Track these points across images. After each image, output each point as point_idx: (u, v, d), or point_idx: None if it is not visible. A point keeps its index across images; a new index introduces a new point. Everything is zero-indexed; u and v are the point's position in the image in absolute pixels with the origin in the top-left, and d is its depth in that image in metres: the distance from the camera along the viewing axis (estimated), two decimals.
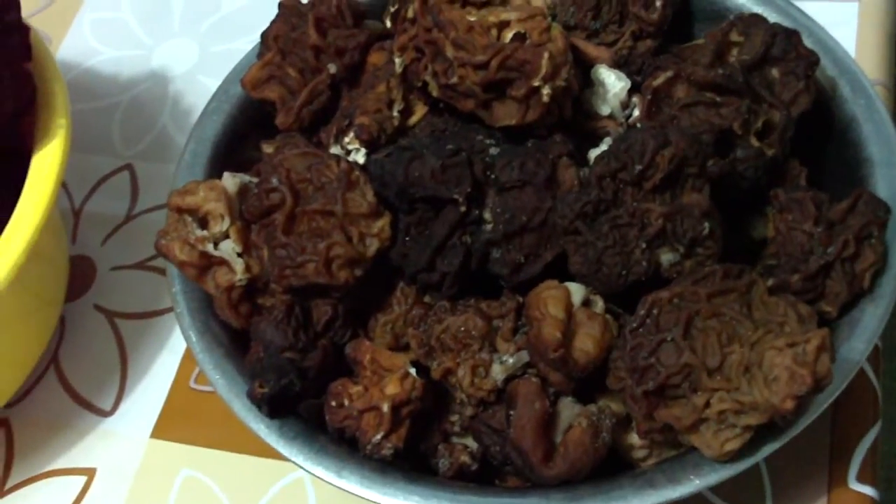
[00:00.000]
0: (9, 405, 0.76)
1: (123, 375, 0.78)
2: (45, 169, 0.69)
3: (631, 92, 0.67)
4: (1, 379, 0.73)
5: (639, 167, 0.58)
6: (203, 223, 0.66)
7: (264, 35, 0.74)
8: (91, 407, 0.76)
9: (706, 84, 0.65)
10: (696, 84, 0.65)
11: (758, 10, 0.74)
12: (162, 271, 0.82)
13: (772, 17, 0.70)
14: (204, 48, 0.96)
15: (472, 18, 0.63)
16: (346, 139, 0.69)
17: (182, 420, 0.75)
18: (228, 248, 0.64)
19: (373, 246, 0.62)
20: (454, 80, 0.62)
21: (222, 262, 0.65)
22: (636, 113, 0.67)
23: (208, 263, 0.65)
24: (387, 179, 0.62)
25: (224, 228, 0.64)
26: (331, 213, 0.61)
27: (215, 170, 0.74)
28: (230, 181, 0.66)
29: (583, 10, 0.73)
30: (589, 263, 0.59)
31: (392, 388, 0.60)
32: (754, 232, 0.66)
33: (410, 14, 0.65)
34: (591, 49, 0.68)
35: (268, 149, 0.72)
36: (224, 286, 0.65)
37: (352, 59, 0.71)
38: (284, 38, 0.72)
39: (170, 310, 0.80)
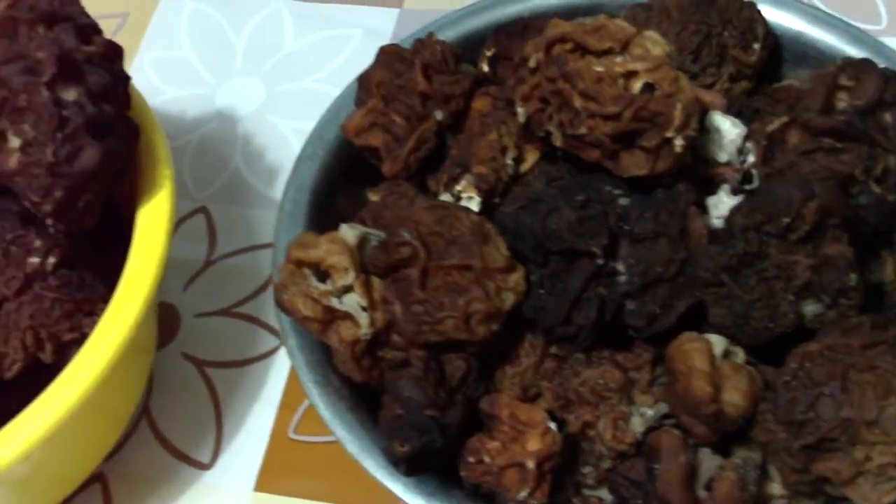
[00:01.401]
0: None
1: (219, 427, 0.76)
2: (154, 221, 0.68)
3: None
4: (102, 433, 0.71)
5: (786, 220, 0.58)
6: (322, 276, 0.65)
7: (363, 81, 0.73)
8: (189, 460, 0.75)
9: (824, 130, 0.65)
10: (812, 130, 0.65)
11: (852, 50, 0.75)
12: (248, 318, 0.82)
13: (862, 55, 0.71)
14: (269, 87, 0.95)
15: (599, 69, 0.62)
16: (458, 187, 0.69)
17: (285, 472, 0.74)
18: (353, 302, 0.64)
19: (509, 300, 0.61)
20: (582, 130, 0.62)
21: (346, 315, 0.64)
22: (751, 159, 0.67)
23: (332, 318, 0.64)
24: (523, 232, 0.61)
25: (349, 282, 0.64)
26: (468, 267, 0.61)
27: (315, 218, 0.73)
28: (350, 233, 0.65)
29: (684, 53, 0.73)
30: (734, 316, 0.59)
31: (534, 444, 0.60)
32: (871, 276, 0.66)
33: (532, 63, 0.65)
34: (705, 95, 0.68)
35: (373, 197, 0.71)
36: (349, 340, 0.64)
37: (457, 105, 0.71)
38: (388, 84, 0.71)
39: (260, 358, 0.79)
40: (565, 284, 0.61)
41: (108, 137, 0.64)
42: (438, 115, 0.71)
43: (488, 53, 0.75)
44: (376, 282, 0.64)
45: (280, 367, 0.79)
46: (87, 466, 0.71)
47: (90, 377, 0.62)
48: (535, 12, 0.80)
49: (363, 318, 0.63)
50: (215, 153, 0.90)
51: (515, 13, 0.80)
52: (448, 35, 0.79)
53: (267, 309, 0.82)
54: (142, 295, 0.65)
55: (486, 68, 0.74)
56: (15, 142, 0.63)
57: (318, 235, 0.65)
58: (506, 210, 0.63)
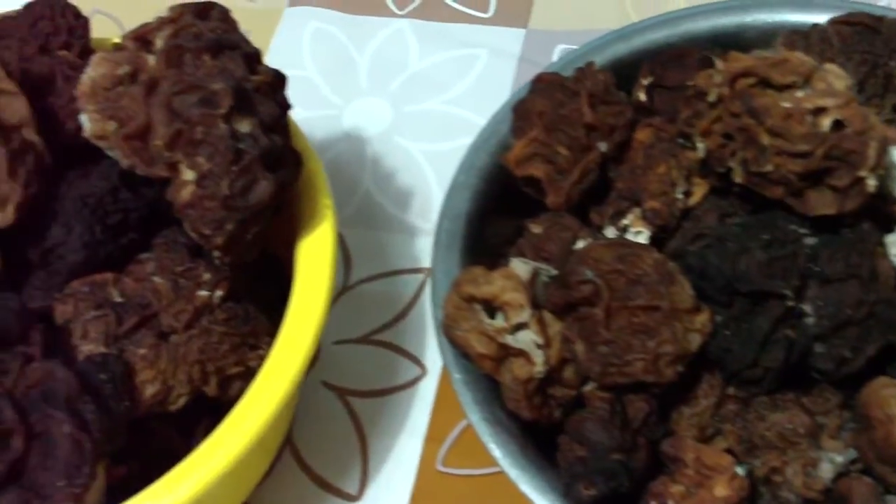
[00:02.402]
0: None
1: (365, 457, 0.75)
2: (318, 253, 0.67)
3: None
4: (257, 465, 0.71)
5: None
6: (491, 311, 0.64)
7: (521, 110, 0.72)
8: (336, 491, 0.74)
9: None
10: None
11: None
12: (388, 346, 0.81)
13: None
14: (396, 108, 0.93)
15: (787, 105, 0.61)
16: (625, 221, 0.68)
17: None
18: (527, 340, 0.62)
19: (695, 341, 0.60)
20: (768, 168, 0.61)
21: (520, 353, 0.63)
22: None
23: (505, 355, 0.63)
24: (711, 273, 0.60)
25: (524, 319, 0.62)
26: (656, 308, 0.59)
27: (469, 247, 0.72)
28: (523, 269, 0.64)
29: None
30: None
31: (721, 490, 0.58)
32: None
33: (713, 97, 0.63)
34: (887, 131, 0.66)
35: (535, 229, 0.70)
36: (522, 378, 0.63)
37: (621, 136, 0.70)
38: (550, 114, 0.70)
39: (403, 387, 0.78)
40: (752, 326, 0.60)
41: (279, 169, 0.63)
42: (602, 146, 0.69)
43: (645, 82, 0.73)
44: (549, 319, 0.63)
45: (424, 398, 0.78)
46: (239, 499, 0.71)
47: (265, 414, 0.61)
48: (683, 37, 0.79)
49: (538, 356, 0.62)
50: (346, 176, 0.89)
51: (663, 39, 0.79)
52: (595, 60, 0.78)
53: (407, 337, 0.81)
54: (311, 329, 0.64)
55: (642, 97, 0.73)
56: (189, 174, 0.62)
57: (489, 270, 0.64)
58: (691, 249, 0.62)
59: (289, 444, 0.76)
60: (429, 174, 0.89)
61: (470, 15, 0.99)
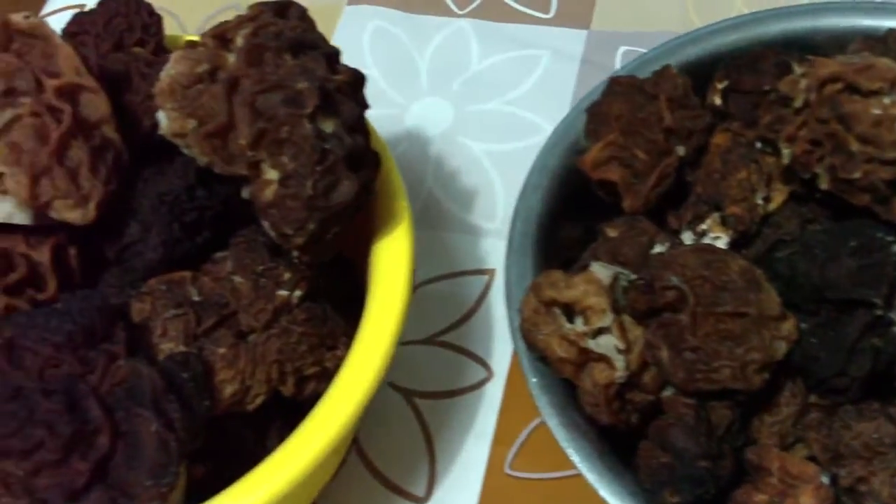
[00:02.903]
0: None
1: (432, 459, 0.75)
2: (395, 255, 0.66)
3: None
4: (328, 466, 0.70)
5: None
6: (570, 315, 0.64)
7: (597, 112, 0.71)
8: (403, 493, 0.74)
9: None
10: None
11: None
12: (454, 347, 0.80)
13: None
14: (458, 108, 0.93)
15: (877, 111, 0.60)
16: (704, 226, 0.67)
17: None
18: (609, 344, 0.62)
19: (782, 349, 0.59)
20: (856, 175, 0.60)
21: (601, 358, 0.62)
22: None
23: (586, 360, 0.63)
24: (799, 280, 0.60)
25: (606, 324, 0.62)
26: (743, 315, 0.59)
27: (542, 251, 0.71)
28: (604, 273, 0.64)
29: None
30: None
31: (807, 499, 0.58)
32: None
33: (798, 103, 0.63)
34: None
35: (612, 232, 0.70)
36: (603, 383, 0.62)
37: (699, 141, 0.69)
38: (628, 117, 0.69)
39: (469, 389, 0.78)
40: (839, 334, 0.59)
41: (361, 170, 0.63)
42: (680, 150, 0.69)
43: (720, 86, 0.73)
44: (629, 323, 0.63)
45: (491, 400, 0.77)
46: (308, 499, 0.70)
47: (346, 416, 0.60)
48: (753, 41, 0.78)
49: (619, 361, 0.62)
50: (409, 176, 0.88)
51: (733, 43, 0.78)
52: (665, 63, 0.77)
53: (472, 338, 0.80)
54: (390, 331, 0.63)
55: (717, 101, 0.72)
56: (271, 174, 0.61)
57: (569, 274, 0.64)
58: (778, 255, 0.61)
59: (355, 445, 0.76)
60: (492, 175, 0.88)
61: (531, 15, 0.98)
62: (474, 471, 0.74)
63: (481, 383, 0.78)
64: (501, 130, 0.90)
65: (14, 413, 0.55)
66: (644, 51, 0.89)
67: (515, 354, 0.78)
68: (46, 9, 1.09)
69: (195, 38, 0.76)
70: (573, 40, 0.95)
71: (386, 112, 0.93)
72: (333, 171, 0.61)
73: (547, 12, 0.98)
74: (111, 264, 0.68)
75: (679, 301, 0.60)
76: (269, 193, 0.61)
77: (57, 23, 1.05)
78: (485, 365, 0.79)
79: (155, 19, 0.74)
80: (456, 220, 0.86)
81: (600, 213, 0.73)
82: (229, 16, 1.01)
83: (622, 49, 0.93)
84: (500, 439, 0.75)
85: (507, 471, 0.74)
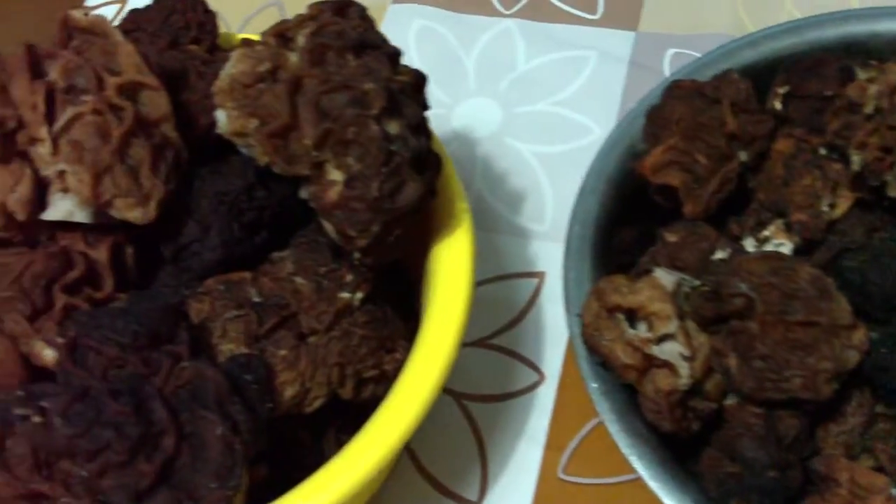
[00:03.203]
0: None
1: (484, 463, 0.74)
2: (457, 258, 0.66)
3: None
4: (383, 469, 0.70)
5: None
6: (632, 320, 0.63)
7: (657, 116, 0.71)
8: (456, 497, 0.73)
9: None
10: None
11: None
12: (505, 350, 0.80)
13: None
14: (506, 109, 0.92)
15: None
16: (766, 232, 0.67)
17: None
18: (673, 351, 0.61)
19: (853, 359, 0.59)
20: None
21: (665, 364, 0.62)
22: None
23: (649, 366, 0.62)
24: (870, 289, 0.59)
25: (671, 330, 0.61)
26: (814, 324, 0.58)
27: (599, 254, 0.71)
28: (668, 279, 0.63)
29: None
30: None
31: None
32: None
33: (869, 109, 0.62)
34: None
35: (671, 237, 0.69)
36: (666, 390, 0.62)
37: (761, 146, 0.69)
38: (689, 122, 0.69)
39: (520, 393, 0.77)
40: None
41: (425, 171, 0.62)
42: (742, 155, 0.68)
43: (781, 91, 0.72)
44: (692, 330, 0.62)
45: (543, 404, 0.76)
46: (361, 502, 0.70)
47: (408, 420, 0.60)
48: (811, 45, 0.77)
49: (683, 368, 0.61)
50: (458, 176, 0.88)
51: (790, 47, 0.77)
52: (722, 67, 0.76)
53: (523, 341, 0.80)
54: (452, 335, 0.63)
55: (778, 106, 0.72)
56: (336, 174, 0.61)
57: (632, 279, 0.63)
58: (849, 264, 0.61)
59: (406, 448, 0.75)
60: (541, 176, 0.88)
61: (577, 16, 0.98)
62: (527, 475, 0.74)
63: (533, 387, 0.78)
64: (550, 132, 0.90)
65: (82, 413, 0.54)
66: (694, 53, 0.90)
67: (567, 358, 0.78)
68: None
69: (250, 36, 0.75)
70: (620, 42, 0.95)
71: (432, 112, 0.91)
72: (399, 173, 0.61)
73: (593, 13, 0.97)
74: (164, 263, 0.68)
75: (747, 308, 0.59)
76: (333, 194, 0.61)
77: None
78: (536, 368, 0.78)
79: (210, 17, 0.73)
80: (505, 222, 0.86)
81: (655, 217, 0.73)
82: (272, 14, 1.02)
83: (671, 51, 0.93)
84: (553, 443, 0.75)
85: (561, 475, 0.73)
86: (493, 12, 0.99)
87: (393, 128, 0.61)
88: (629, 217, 0.73)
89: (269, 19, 1.00)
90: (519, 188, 0.87)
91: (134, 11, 0.73)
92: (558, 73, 0.93)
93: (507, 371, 0.78)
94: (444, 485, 0.74)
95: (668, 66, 0.91)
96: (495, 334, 0.80)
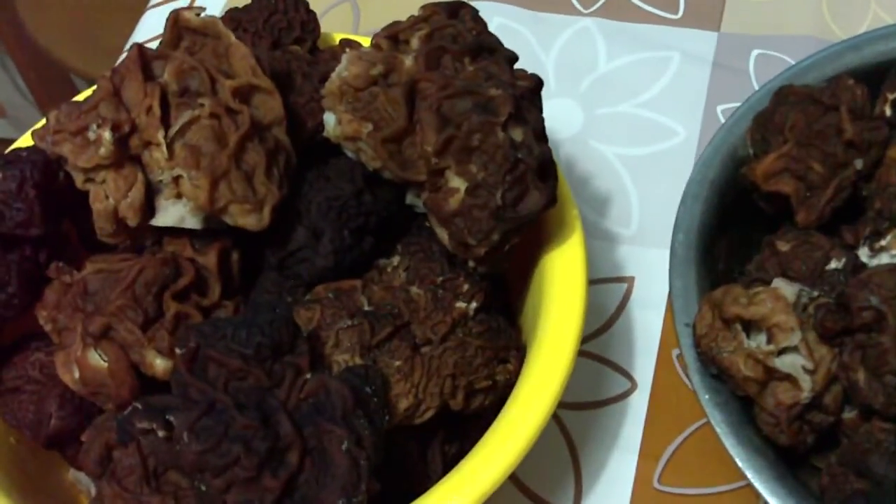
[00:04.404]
0: None
1: (577, 472, 0.73)
2: (570, 266, 0.65)
3: None
4: None
5: None
6: (747, 331, 0.62)
7: (766, 121, 0.69)
8: None
9: None
10: None
11: None
12: (594, 357, 0.78)
13: None
14: (587, 110, 0.91)
15: None
16: (883, 242, 0.65)
17: None
18: (796, 364, 0.60)
19: None
20: None
21: (785, 377, 0.61)
22: None
23: (769, 379, 0.61)
24: None
25: (794, 343, 0.60)
26: None
27: (705, 261, 0.70)
28: (789, 290, 0.62)
29: None
30: None
31: None
32: None
33: None
34: None
35: (783, 246, 0.68)
36: (787, 403, 0.61)
37: (877, 153, 0.67)
38: (803, 128, 0.67)
39: (613, 401, 0.76)
40: None
41: (548, 179, 0.61)
42: (858, 163, 0.67)
43: (891, 96, 0.71)
44: (813, 342, 0.61)
45: (635, 412, 0.75)
46: None
47: (532, 428, 0.59)
48: None
49: (805, 381, 0.60)
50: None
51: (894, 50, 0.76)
52: (824, 72, 0.75)
53: (614, 348, 0.78)
54: (569, 343, 0.62)
55: (888, 112, 0.70)
56: (456, 181, 0.60)
57: (752, 290, 0.62)
58: None
59: None
60: (625, 180, 0.86)
61: (658, 16, 0.96)
62: (622, 485, 0.73)
63: (625, 395, 0.76)
64: (633, 134, 0.89)
65: (210, 428, 0.53)
66: (779, 55, 0.89)
67: (659, 365, 0.77)
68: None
69: (350, 36, 0.74)
70: (703, 42, 0.93)
71: None
72: (523, 181, 0.59)
73: (675, 13, 0.96)
74: (266, 269, 0.67)
75: (876, 322, 0.58)
76: (454, 202, 0.60)
77: (157, 17, 1.04)
78: (628, 375, 0.77)
79: (312, 16, 0.72)
80: (591, 226, 0.84)
81: (753, 225, 0.72)
82: (345, 10, 1.01)
83: (756, 52, 0.91)
84: (648, 452, 0.74)
85: (656, 485, 0.72)
86: (572, 11, 0.98)
87: (518, 135, 0.60)
88: (728, 225, 0.72)
89: (342, 16, 0.99)
90: (603, 191, 0.86)
91: (234, 10, 0.72)
92: (640, 74, 0.92)
93: (598, 378, 0.77)
94: (539, 495, 0.73)
95: (753, 68, 0.90)
96: (585, 340, 0.79)
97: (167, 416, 0.54)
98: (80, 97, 0.72)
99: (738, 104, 0.74)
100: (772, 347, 0.61)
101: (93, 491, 0.66)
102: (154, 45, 0.65)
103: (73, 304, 0.62)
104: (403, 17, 0.65)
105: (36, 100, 1.69)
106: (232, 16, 0.71)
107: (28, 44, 1.56)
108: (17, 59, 1.64)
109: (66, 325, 0.62)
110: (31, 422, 0.64)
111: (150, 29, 1.05)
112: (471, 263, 0.62)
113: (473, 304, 0.62)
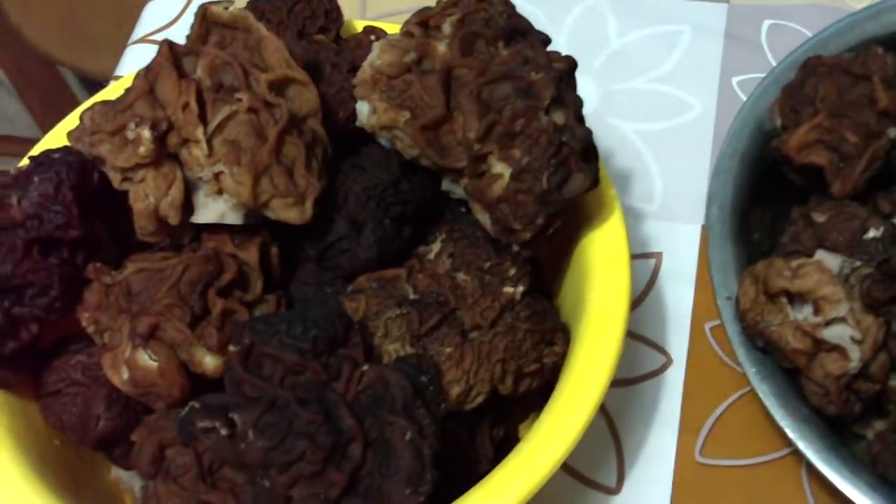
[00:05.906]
0: None
1: (619, 449, 0.74)
2: (613, 248, 0.65)
3: None
4: None
5: None
6: (792, 303, 0.63)
7: (799, 95, 0.70)
8: (594, 484, 0.72)
9: None
10: None
11: None
12: (629, 334, 0.78)
13: None
14: (602, 87, 0.91)
15: None
16: None
17: (698, 497, 0.71)
18: (844, 335, 0.61)
19: None
20: None
21: (833, 348, 0.61)
22: None
23: (817, 350, 0.61)
24: None
25: (841, 314, 0.61)
26: None
27: (740, 234, 0.70)
28: (833, 262, 0.62)
29: None
30: None
31: None
32: None
33: None
34: None
35: (819, 217, 0.68)
36: (835, 374, 0.61)
37: None
38: (835, 99, 0.67)
39: (648, 376, 0.76)
40: None
41: (591, 160, 0.61)
42: (892, 132, 0.67)
43: None
44: (859, 312, 0.61)
45: (672, 387, 0.76)
46: None
47: (588, 410, 0.59)
48: None
49: (854, 351, 0.61)
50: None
51: None
52: (847, 41, 0.76)
53: (646, 324, 0.79)
54: (618, 324, 0.62)
55: None
56: (500, 167, 0.59)
57: (797, 263, 0.63)
58: None
59: None
60: (646, 155, 0.86)
61: None
62: (664, 460, 0.73)
63: (661, 370, 0.77)
64: (650, 109, 0.88)
65: (275, 424, 0.53)
66: (792, 24, 0.89)
67: (693, 338, 0.77)
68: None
69: (373, 23, 0.73)
70: (714, 14, 0.93)
71: None
72: (567, 164, 0.59)
73: None
74: (305, 262, 0.66)
75: None
76: (498, 188, 0.60)
77: (159, 10, 1.03)
78: (662, 351, 0.77)
79: (335, 4, 0.71)
80: None
81: (784, 197, 0.72)
82: None
83: (767, 22, 0.91)
84: (688, 426, 0.74)
85: (699, 458, 0.73)
86: None
87: (559, 118, 0.60)
88: (759, 197, 0.72)
89: (348, 0, 0.98)
90: (625, 168, 0.86)
91: (256, 1, 0.71)
92: (653, 49, 0.92)
93: (633, 354, 0.77)
94: (582, 473, 0.73)
95: (765, 38, 0.90)
96: None
97: (230, 415, 0.53)
98: (101, 95, 0.71)
99: (753, 75, 0.74)
100: (819, 319, 0.61)
101: (136, 489, 0.66)
102: (156, 37, 0.64)
103: (117, 304, 0.61)
104: (409, 2, 0.64)
105: (13, 84, 1.67)
106: (254, 6, 0.70)
107: (8, 30, 1.54)
108: None
109: (110, 326, 0.61)
110: (76, 424, 0.64)
111: (151, 21, 1.03)
112: (514, 247, 0.62)
113: (520, 288, 0.62)
